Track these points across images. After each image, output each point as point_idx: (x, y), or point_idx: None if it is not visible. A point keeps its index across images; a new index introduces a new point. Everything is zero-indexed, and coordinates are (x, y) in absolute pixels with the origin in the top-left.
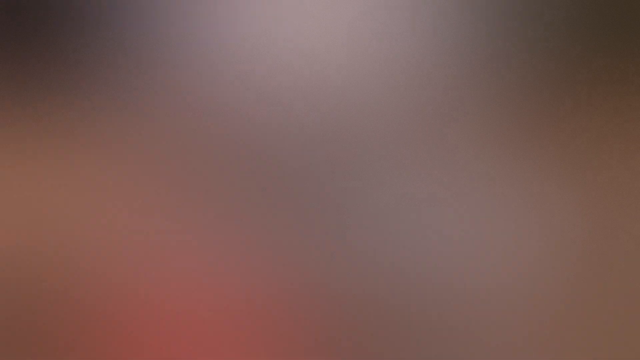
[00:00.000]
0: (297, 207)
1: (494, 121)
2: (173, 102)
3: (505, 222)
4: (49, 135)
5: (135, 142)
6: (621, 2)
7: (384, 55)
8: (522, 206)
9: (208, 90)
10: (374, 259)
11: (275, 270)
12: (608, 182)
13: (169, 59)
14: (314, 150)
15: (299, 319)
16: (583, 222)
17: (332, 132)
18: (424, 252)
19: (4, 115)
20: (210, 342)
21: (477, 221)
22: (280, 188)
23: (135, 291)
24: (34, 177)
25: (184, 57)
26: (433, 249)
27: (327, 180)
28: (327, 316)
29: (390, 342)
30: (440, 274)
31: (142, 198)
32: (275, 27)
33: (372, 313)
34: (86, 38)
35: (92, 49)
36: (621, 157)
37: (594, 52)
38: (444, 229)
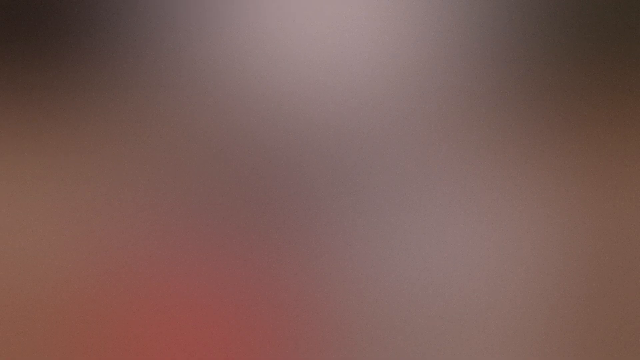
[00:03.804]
0: (297, 209)
1: (499, 122)
2: (174, 103)
3: (510, 224)
4: (48, 136)
5: (135, 143)
6: (630, 5)
7: (386, 57)
8: (527, 208)
9: (209, 92)
10: (376, 262)
11: (276, 274)
12: (612, 183)
13: (170, 60)
14: (315, 152)
15: (299, 320)
16: (589, 224)
17: (333, 134)
18: (427, 253)
19: (3, 116)
20: (212, 346)
21: (482, 223)
22: (280, 189)
23: (134, 295)
24: (33, 177)
25: (184, 58)
26: (437, 251)
27: (328, 182)
28: (327, 317)
29: (391, 344)
30: (443, 276)
31: (141, 199)
32: (277, 28)
33: (374, 315)
34: (86, 38)
35: (92, 50)
36: (626, 158)
37: (599, 53)
38: (448, 231)
